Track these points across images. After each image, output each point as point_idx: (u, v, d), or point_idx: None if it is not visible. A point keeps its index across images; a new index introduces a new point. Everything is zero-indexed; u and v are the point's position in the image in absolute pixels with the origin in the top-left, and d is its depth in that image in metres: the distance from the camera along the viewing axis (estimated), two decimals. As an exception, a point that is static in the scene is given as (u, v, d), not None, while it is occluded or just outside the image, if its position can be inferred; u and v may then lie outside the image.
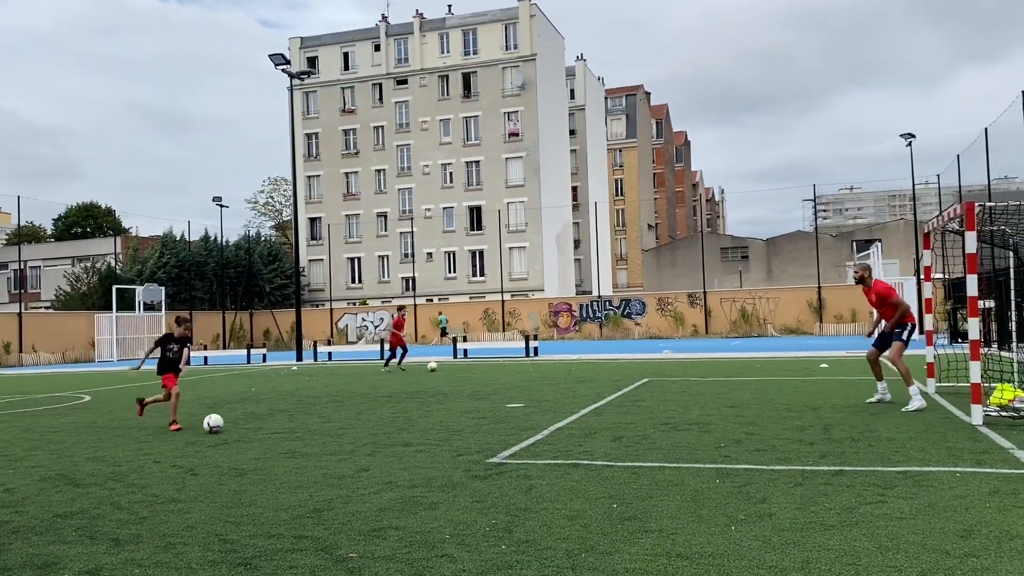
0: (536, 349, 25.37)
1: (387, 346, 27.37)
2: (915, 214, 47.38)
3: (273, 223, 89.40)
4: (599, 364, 21.72)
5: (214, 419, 10.38)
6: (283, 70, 27.62)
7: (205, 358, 28.83)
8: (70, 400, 16.29)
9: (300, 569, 4.44)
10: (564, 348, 30.00)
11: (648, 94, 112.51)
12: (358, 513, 5.70)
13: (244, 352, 29.02)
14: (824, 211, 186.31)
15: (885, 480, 6.20)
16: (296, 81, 33.45)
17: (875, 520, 5.05)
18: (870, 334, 10.75)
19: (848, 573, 4.07)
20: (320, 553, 4.74)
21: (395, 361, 21.89)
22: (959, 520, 4.98)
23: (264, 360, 28.00)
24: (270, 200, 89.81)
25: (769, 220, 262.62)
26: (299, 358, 27.84)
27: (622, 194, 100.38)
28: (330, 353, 27.75)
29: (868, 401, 11.00)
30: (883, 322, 10.60)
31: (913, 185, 44.84)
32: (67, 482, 7.27)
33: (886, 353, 10.56)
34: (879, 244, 35.29)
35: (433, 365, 21.18)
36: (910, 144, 42.67)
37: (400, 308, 22.58)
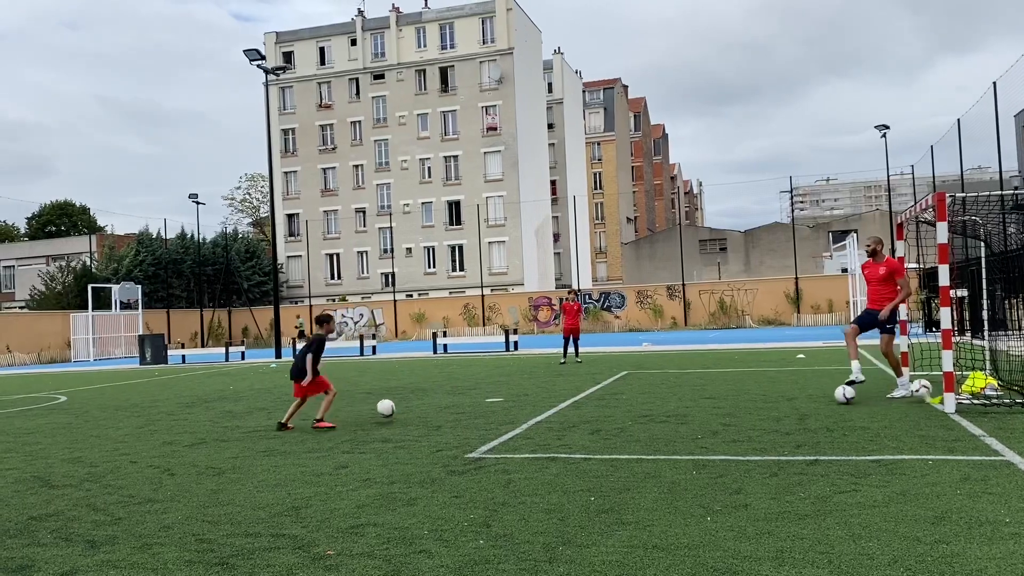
0: (516, 343, 25.39)
1: (366, 341, 27.34)
2: (890, 205, 47.89)
3: (250, 219, 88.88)
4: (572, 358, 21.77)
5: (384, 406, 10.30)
6: (258, 65, 27.41)
7: (183, 356, 28.63)
8: (45, 401, 16.13)
9: (277, 567, 4.43)
10: (545, 342, 30.06)
11: (626, 87, 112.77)
12: (336, 511, 5.70)
13: (223, 350, 28.84)
14: (801, 202, 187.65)
15: (859, 469, 6.28)
16: (271, 76, 33.18)
17: (848, 509, 5.12)
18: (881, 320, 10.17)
19: (821, 561, 4.12)
20: (298, 551, 4.73)
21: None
22: (930, 507, 5.06)
23: (243, 358, 27.86)
24: (247, 197, 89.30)
25: (748, 212, 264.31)
26: (278, 356, 27.72)
27: (601, 187, 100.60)
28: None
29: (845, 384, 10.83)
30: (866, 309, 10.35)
31: (888, 176, 45.29)
32: (42, 484, 7.21)
33: (879, 346, 10.39)
34: (855, 235, 35.56)
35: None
36: (884, 136, 43.11)
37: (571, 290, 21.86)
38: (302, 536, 5.06)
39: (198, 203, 51.67)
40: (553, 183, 75.17)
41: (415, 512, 5.53)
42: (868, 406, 9.71)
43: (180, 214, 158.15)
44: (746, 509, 5.24)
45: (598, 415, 10.02)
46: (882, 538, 4.46)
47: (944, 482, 5.70)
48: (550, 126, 75.39)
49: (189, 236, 56.98)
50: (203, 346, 48.82)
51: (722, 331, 39.68)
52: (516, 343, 25.38)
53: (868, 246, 10.35)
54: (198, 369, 25.19)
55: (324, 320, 10.11)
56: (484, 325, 49.43)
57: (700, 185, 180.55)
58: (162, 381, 20.62)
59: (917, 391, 10.02)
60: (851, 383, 10.10)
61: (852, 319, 10.68)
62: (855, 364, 10.21)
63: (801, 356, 18.26)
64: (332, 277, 65.55)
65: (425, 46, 64.34)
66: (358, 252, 65.24)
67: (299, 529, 5.25)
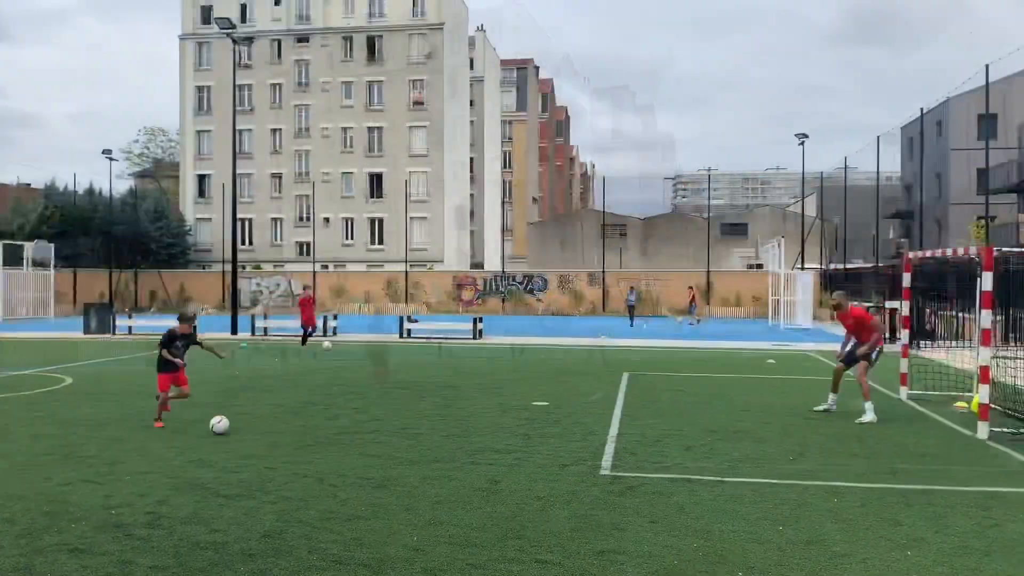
0: (481, 332, 25.94)
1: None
2: (802, 210, 50.66)
3: (143, 174, 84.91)
4: (554, 351, 22.58)
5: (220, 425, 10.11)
6: (226, 33, 26.60)
7: (130, 327, 27.66)
8: (51, 382, 15.66)
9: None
10: (500, 327, 30.46)
11: (537, 68, 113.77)
12: (552, 532, 6.25)
13: (170, 321, 27.81)
14: (684, 190, 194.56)
15: (975, 500, 7.31)
16: (190, 31, 31.94)
17: (1012, 544, 6.10)
18: (841, 353, 12.07)
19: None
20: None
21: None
22: (1080, 545, 6.11)
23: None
24: (145, 151, 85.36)
25: (643, 201, 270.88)
26: (234, 331, 27.21)
27: (510, 167, 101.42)
28: (265, 328, 27.25)
29: (815, 408, 12.14)
30: (852, 341, 11.86)
31: (803, 179, 47.99)
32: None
33: (850, 371, 11.82)
34: (782, 239, 37.68)
35: (327, 344, 22.14)
36: (803, 143, 45.43)
37: (305, 287, 23.09)
38: (552, 560, 5.63)
39: (111, 159, 49.45)
40: (471, 160, 75.42)
41: (626, 537, 6.17)
42: (899, 425, 10.90)
43: (75, 165, 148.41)
44: (926, 543, 6.15)
45: (665, 428, 10.78)
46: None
47: (1063, 518, 6.80)
48: (471, 104, 75.47)
49: (98, 192, 54.32)
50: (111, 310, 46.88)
51: (643, 319, 41.09)
52: (481, 331, 25.91)
53: (833, 301, 12.02)
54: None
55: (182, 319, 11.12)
56: (407, 302, 49.59)
57: (593, 168, 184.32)
58: (144, 360, 20.16)
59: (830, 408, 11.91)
60: (824, 411, 11.94)
61: (839, 356, 12.16)
62: (832, 396, 12.04)
63: (771, 361, 19.65)
64: (243, 243, 63.79)
65: (353, 12, 63.14)
66: (272, 219, 63.83)
67: (548, 554, 5.81)
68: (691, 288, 42.42)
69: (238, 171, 63.36)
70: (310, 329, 23.49)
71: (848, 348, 11.91)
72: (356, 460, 8.79)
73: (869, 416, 11.25)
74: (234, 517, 6.67)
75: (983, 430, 10.21)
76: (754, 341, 26.38)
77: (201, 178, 64.37)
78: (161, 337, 10.95)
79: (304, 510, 6.88)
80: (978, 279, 11.24)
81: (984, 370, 10.20)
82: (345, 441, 9.84)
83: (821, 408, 12.06)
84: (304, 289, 22.66)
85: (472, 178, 75.36)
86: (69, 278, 46.62)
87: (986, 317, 10.26)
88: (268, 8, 63.76)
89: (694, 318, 38.12)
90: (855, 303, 12.68)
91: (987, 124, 29.33)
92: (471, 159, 75.20)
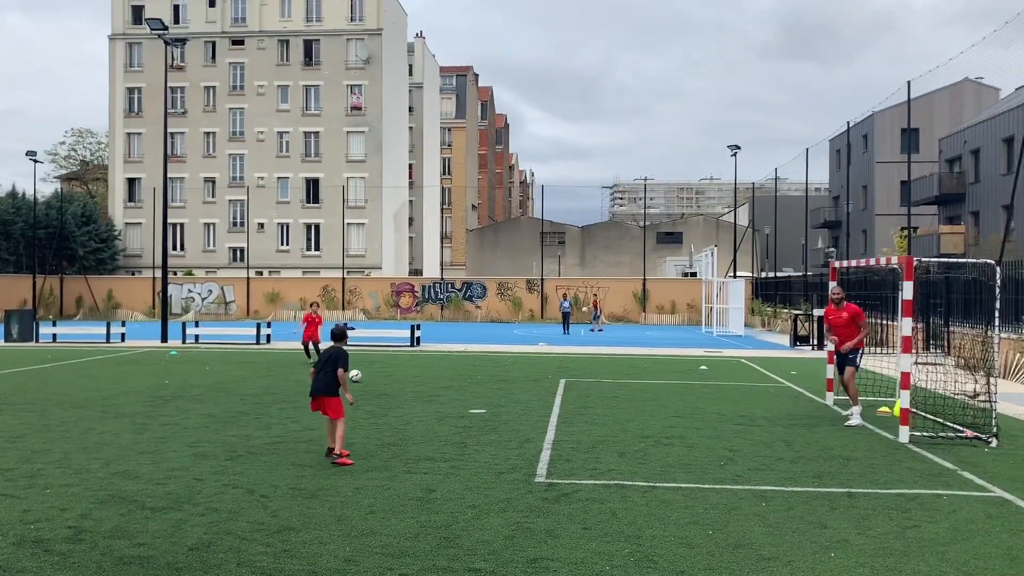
0: (419, 339, 25.80)
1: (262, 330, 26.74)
2: (735, 220, 51.74)
3: (71, 177, 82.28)
4: (492, 357, 22.60)
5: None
6: (158, 35, 25.96)
7: (54, 335, 26.72)
8: (-42, 390, 15.03)
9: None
10: (439, 335, 30.36)
11: (477, 75, 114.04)
12: (485, 541, 6.26)
13: (98, 329, 26.97)
14: (621, 199, 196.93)
15: (895, 503, 7.56)
16: (121, 31, 30.96)
17: (934, 546, 6.32)
18: (834, 359, 12.28)
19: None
20: (521, 588, 5.32)
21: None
22: (993, 544, 6.37)
23: (123, 339, 26.38)
24: (72, 153, 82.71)
25: (582, 209, 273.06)
26: (164, 339, 26.46)
27: (449, 173, 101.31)
28: (197, 335, 26.58)
29: (847, 424, 11.74)
30: (835, 340, 11.90)
31: (735, 189, 49.02)
32: (132, 505, 7.23)
33: (843, 376, 11.86)
34: (715, 248, 38.42)
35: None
36: (735, 154, 46.42)
37: (312, 304, 21.85)
38: (485, 569, 5.64)
39: (35, 161, 47.77)
40: (410, 167, 75.07)
41: (559, 544, 6.22)
42: (825, 430, 11.21)
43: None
44: (849, 545, 6.34)
45: (600, 435, 10.89)
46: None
47: (978, 519, 7.08)
48: (410, 110, 75.16)
49: (21, 195, 52.45)
50: (35, 317, 45.25)
51: (578, 325, 41.41)
52: (419, 338, 25.75)
53: (834, 295, 11.97)
54: (86, 351, 23.78)
55: (342, 335, 10.09)
56: (344, 309, 49.07)
57: (532, 176, 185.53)
58: (71, 368, 19.54)
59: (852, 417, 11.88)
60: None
61: (832, 369, 12.35)
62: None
63: (704, 368, 19.99)
64: (175, 248, 62.33)
65: (290, 16, 62.32)
66: (205, 224, 62.49)
67: (481, 563, 5.81)
68: (595, 296, 43.27)
69: (170, 175, 62.05)
70: (311, 346, 21.44)
71: (839, 356, 11.97)
72: (288, 470, 8.66)
73: (856, 420, 11.48)
74: (160, 530, 6.51)
75: (904, 434, 10.57)
76: (688, 348, 26.81)
77: (131, 181, 62.70)
78: (341, 357, 9.33)
79: (233, 522, 6.75)
80: (899, 288, 11.63)
81: (905, 376, 10.55)
82: (277, 451, 9.69)
83: (854, 424, 11.58)
84: (311, 306, 21.58)
85: (411, 184, 75.00)
86: (-11, 283, 44.91)
87: (907, 324, 10.63)
88: (203, 9, 62.52)
89: (598, 325, 38.81)
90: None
91: (909, 138, 30.37)
92: (410, 165, 74.88)
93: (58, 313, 48.31)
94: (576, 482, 8.25)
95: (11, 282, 47.28)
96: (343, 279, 49.94)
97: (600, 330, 37.73)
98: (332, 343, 9.54)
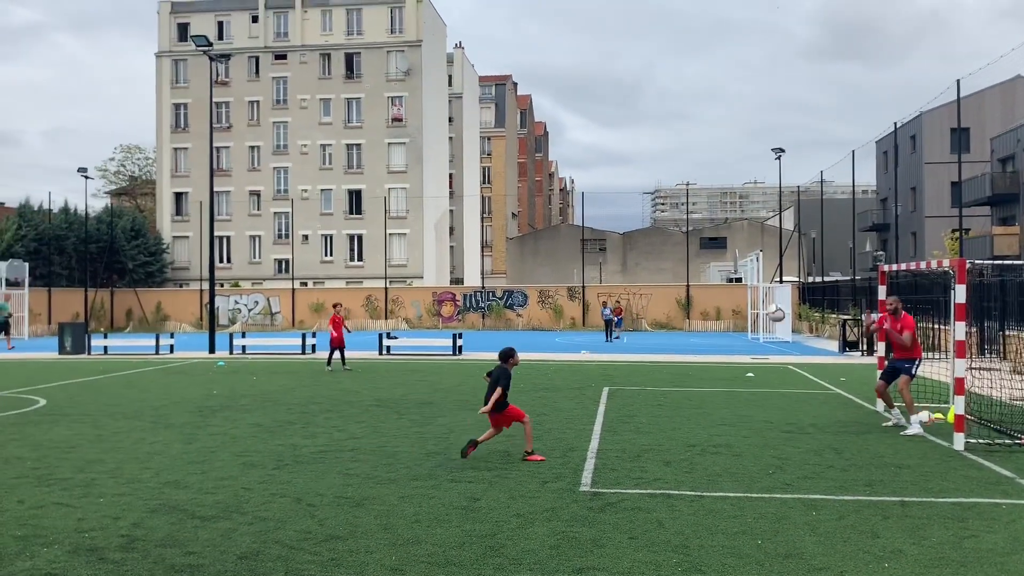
0: (461, 348, 25.87)
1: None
2: (780, 224, 51.06)
3: (120, 192, 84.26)
4: (535, 366, 22.56)
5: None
6: (203, 51, 26.50)
7: (105, 347, 27.34)
8: (22, 404, 15.43)
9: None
10: (481, 344, 30.41)
11: (515, 84, 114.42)
12: (530, 551, 6.22)
13: (147, 341, 27.52)
14: (663, 205, 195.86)
15: (952, 512, 7.36)
16: (167, 48, 31.62)
17: (991, 556, 6.14)
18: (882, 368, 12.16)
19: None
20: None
21: (336, 358, 21.29)
22: (1054, 555, 6.17)
23: (172, 351, 26.90)
24: (121, 169, 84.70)
25: (623, 216, 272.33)
26: (211, 349, 26.94)
27: (489, 182, 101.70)
28: (244, 346, 27.00)
29: (885, 425, 11.99)
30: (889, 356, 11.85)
31: (780, 193, 48.43)
32: (187, 516, 7.34)
33: (895, 383, 11.66)
34: (760, 253, 37.95)
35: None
36: (779, 158, 45.88)
37: (335, 305, 22.20)
38: (547, 581, 5.61)
39: (87, 177, 49.01)
40: (450, 176, 75.54)
41: (605, 554, 6.16)
42: (876, 437, 10.97)
43: (50, 183, 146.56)
44: (903, 555, 6.18)
45: (645, 443, 10.80)
46: (1052, 586, 5.49)
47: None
48: (450, 120, 75.66)
49: (73, 211, 53.84)
50: (87, 329, 46.35)
51: (627, 333, 41.18)
52: (461, 347, 25.82)
53: (890, 305, 11.74)
54: (135, 363, 24.27)
55: (509, 355, 10.12)
56: (387, 318, 49.44)
57: (572, 183, 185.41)
58: (121, 379, 19.97)
59: (898, 422, 11.80)
60: (895, 425, 11.81)
61: (879, 374, 12.16)
62: (894, 411, 11.94)
63: (751, 375, 19.73)
64: (221, 261, 63.47)
65: (331, 30, 63.22)
66: (251, 236, 63.51)
67: (527, 572, 5.78)
68: (618, 302, 42.96)
69: (216, 188, 63.22)
70: (336, 353, 21.38)
71: (888, 362, 11.88)
72: (334, 479, 8.72)
73: (915, 428, 11.24)
74: (210, 539, 6.59)
75: (959, 441, 10.30)
76: (733, 355, 26.49)
77: (178, 196, 64.02)
78: (502, 376, 9.89)
79: (281, 530, 6.81)
80: (951, 291, 11.36)
81: (959, 381, 10.29)
82: (323, 460, 9.77)
83: (891, 424, 11.91)
84: (335, 307, 21.66)
85: (451, 194, 75.47)
86: (44, 297, 46.12)
87: (960, 329, 10.37)
88: (246, 25, 63.71)
89: (620, 331, 38.55)
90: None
91: (960, 137, 29.70)
92: (450, 175, 75.36)
93: (109, 326, 49.35)
94: (621, 491, 8.18)
95: (64, 296, 48.47)
96: (386, 289, 50.36)
97: (619, 338, 37.11)
98: (498, 362, 10.09)
